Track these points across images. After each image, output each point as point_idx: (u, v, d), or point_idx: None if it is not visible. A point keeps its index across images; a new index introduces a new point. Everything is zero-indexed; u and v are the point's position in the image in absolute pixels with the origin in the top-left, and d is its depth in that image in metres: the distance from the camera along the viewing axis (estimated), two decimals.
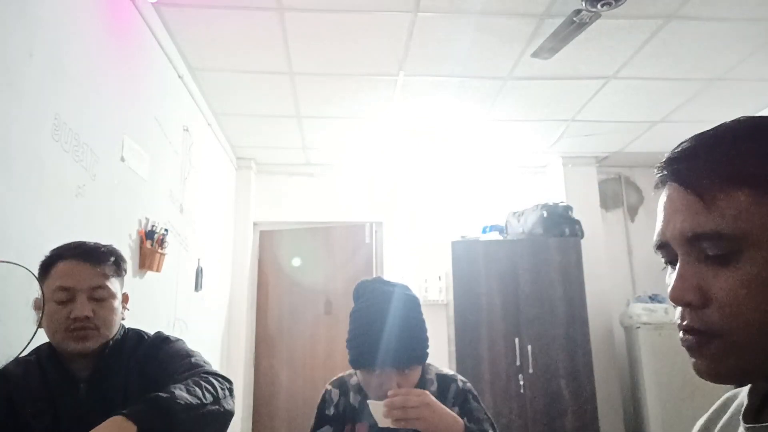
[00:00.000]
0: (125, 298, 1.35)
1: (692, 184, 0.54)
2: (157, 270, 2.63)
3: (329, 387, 1.56)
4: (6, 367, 1.21)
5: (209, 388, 1.12)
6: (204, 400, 1.08)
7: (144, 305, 2.55)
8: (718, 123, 0.57)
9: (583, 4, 2.26)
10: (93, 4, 2.07)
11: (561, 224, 4.05)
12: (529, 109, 3.67)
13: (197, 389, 1.09)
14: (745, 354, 0.51)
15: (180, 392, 1.05)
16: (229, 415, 1.15)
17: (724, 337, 0.52)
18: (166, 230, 2.68)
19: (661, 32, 2.75)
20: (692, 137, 0.57)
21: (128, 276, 2.41)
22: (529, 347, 3.81)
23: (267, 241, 4.76)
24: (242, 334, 4.43)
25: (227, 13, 2.57)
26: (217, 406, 1.11)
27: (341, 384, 1.54)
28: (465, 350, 3.83)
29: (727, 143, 0.54)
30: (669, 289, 0.56)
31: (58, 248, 1.26)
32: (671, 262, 0.58)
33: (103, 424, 0.96)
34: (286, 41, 2.81)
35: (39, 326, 1.18)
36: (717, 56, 2.99)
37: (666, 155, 0.58)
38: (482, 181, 4.84)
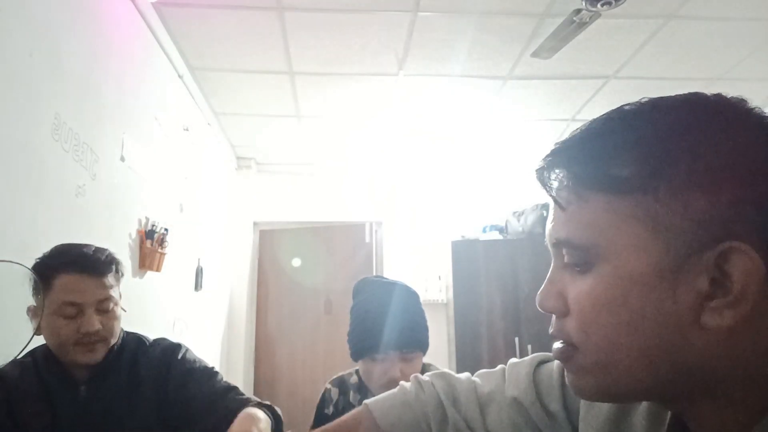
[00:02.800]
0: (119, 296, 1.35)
1: (549, 188, 0.50)
2: (157, 270, 2.63)
3: (329, 386, 1.56)
4: (3, 369, 1.21)
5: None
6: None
7: (144, 305, 2.55)
8: None
9: (583, 4, 2.26)
10: (93, 4, 2.07)
11: None
12: (529, 108, 3.67)
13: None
14: (599, 372, 0.47)
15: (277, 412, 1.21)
16: None
17: (582, 352, 0.48)
18: (166, 230, 2.68)
19: (661, 32, 2.75)
20: (570, 135, 0.52)
21: (128, 276, 2.42)
22: (529, 347, 3.81)
23: (267, 241, 4.76)
24: (242, 334, 4.43)
25: (227, 12, 2.57)
26: None
27: (341, 383, 1.54)
28: (465, 350, 3.83)
29: (590, 140, 0.48)
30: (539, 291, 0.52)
31: (56, 256, 1.23)
32: None
33: (251, 411, 1.12)
34: (286, 41, 2.81)
35: (36, 333, 1.18)
36: (717, 56, 2.99)
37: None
38: (482, 180, 4.84)
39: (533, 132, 4.11)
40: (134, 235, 2.46)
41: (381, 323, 1.35)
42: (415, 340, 1.38)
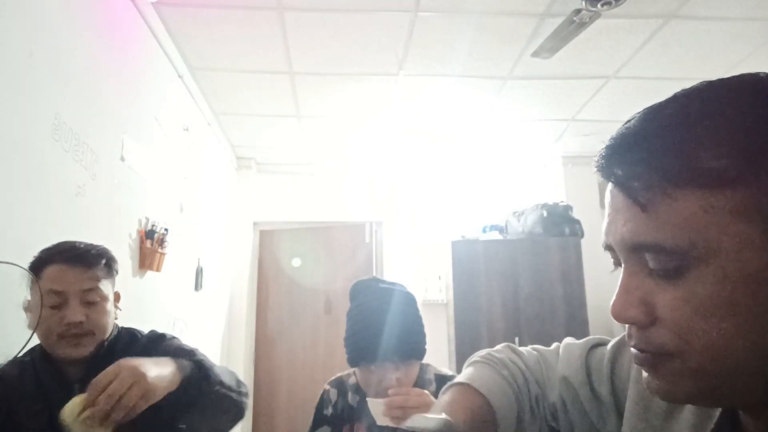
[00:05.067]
0: (117, 297, 1.33)
1: (627, 186, 0.45)
2: (157, 270, 2.63)
3: (327, 387, 1.56)
4: (2, 369, 1.20)
5: (240, 381, 1.18)
6: (234, 387, 1.14)
7: (144, 305, 2.55)
8: None
9: (583, 4, 2.26)
10: (93, 4, 2.07)
11: (561, 224, 4.05)
12: (529, 108, 3.67)
13: (232, 376, 1.15)
14: (703, 378, 0.44)
15: (220, 370, 1.10)
16: (243, 413, 1.20)
17: (679, 358, 0.44)
18: (166, 230, 2.68)
19: (661, 32, 2.75)
20: (635, 120, 0.46)
21: (128, 276, 2.42)
22: (529, 347, 3.82)
23: (267, 241, 4.76)
24: (242, 334, 4.43)
25: (227, 12, 2.57)
26: (241, 399, 1.16)
27: (339, 384, 1.54)
28: (465, 350, 3.83)
29: (670, 130, 0.44)
30: (612, 301, 0.47)
31: (48, 250, 1.24)
32: (620, 264, 0.49)
33: (156, 359, 1.03)
34: (286, 41, 2.81)
35: (34, 329, 1.17)
36: (717, 56, 2.99)
37: (603, 146, 0.48)
38: (482, 180, 4.84)
39: (533, 132, 4.11)
40: (134, 235, 2.46)
41: (376, 333, 1.35)
42: (411, 350, 1.39)
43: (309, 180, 4.78)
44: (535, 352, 0.79)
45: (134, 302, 2.43)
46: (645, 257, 0.45)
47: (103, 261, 1.27)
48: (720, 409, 0.50)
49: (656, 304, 0.45)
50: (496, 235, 4.23)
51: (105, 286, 1.26)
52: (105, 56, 2.16)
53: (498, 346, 0.81)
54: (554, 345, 0.78)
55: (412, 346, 1.39)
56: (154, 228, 2.58)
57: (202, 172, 3.60)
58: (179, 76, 3.02)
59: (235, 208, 4.51)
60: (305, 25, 2.68)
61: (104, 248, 1.30)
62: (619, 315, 0.47)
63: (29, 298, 1.22)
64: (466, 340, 3.84)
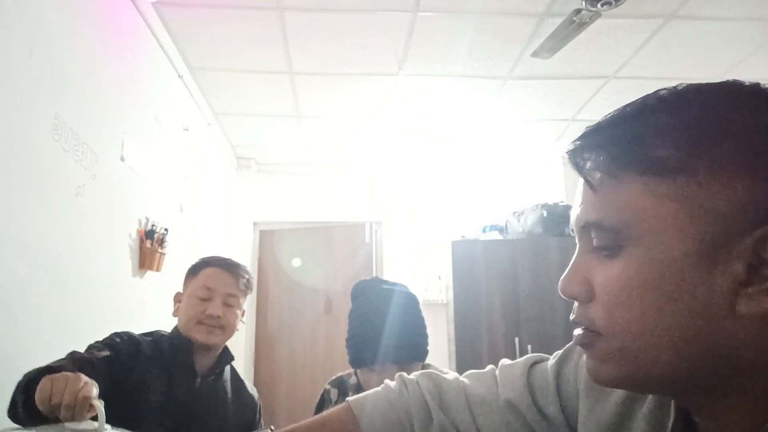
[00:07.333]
0: (242, 313, 1.56)
1: (580, 168, 0.49)
2: (157, 270, 2.63)
3: (328, 387, 1.56)
4: (143, 338, 1.37)
5: None
6: None
7: (144, 305, 2.55)
8: None
9: (583, 4, 2.26)
10: (93, 4, 2.07)
11: (561, 224, 4.05)
12: (529, 108, 3.67)
13: None
14: (625, 358, 0.45)
15: None
16: None
17: (606, 338, 0.46)
18: (166, 230, 2.68)
19: (661, 32, 2.74)
20: (603, 118, 0.50)
21: (128, 276, 2.43)
22: (529, 347, 3.81)
23: (267, 241, 4.75)
24: (242, 334, 4.43)
25: (227, 12, 2.57)
26: None
27: (340, 384, 1.54)
28: (465, 350, 3.83)
29: (627, 120, 0.47)
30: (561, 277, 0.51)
31: (210, 257, 1.56)
32: None
33: None
34: (286, 41, 2.81)
35: (174, 315, 1.52)
36: (717, 56, 2.99)
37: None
38: (482, 180, 4.84)
39: (533, 132, 4.11)
40: (134, 235, 2.46)
41: (379, 335, 1.35)
42: (413, 353, 1.38)
43: (309, 180, 4.78)
44: (459, 378, 0.74)
45: (134, 302, 2.43)
46: (591, 236, 0.48)
47: (247, 277, 1.53)
48: (673, 419, 0.50)
49: (594, 281, 0.47)
50: (496, 235, 4.23)
51: (241, 297, 1.51)
52: (105, 56, 2.16)
53: (415, 374, 0.76)
54: (489, 368, 0.74)
55: (415, 347, 1.39)
56: (154, 228, 2.58)
57: (202, 172, 3.60)
58: (179, 76, 3.02)
59: (235, 208, 4.51)
60: (305, 25, 2.68)
61: (247, 268, 1.57)
62: (563, 290, 0.50)
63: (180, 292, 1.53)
64: (466, 340, 3.84)
